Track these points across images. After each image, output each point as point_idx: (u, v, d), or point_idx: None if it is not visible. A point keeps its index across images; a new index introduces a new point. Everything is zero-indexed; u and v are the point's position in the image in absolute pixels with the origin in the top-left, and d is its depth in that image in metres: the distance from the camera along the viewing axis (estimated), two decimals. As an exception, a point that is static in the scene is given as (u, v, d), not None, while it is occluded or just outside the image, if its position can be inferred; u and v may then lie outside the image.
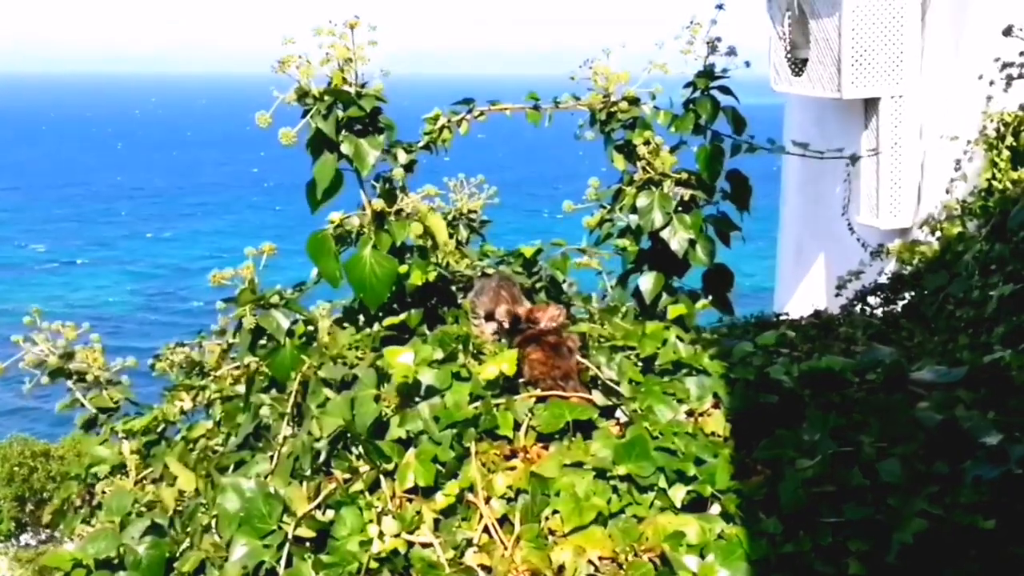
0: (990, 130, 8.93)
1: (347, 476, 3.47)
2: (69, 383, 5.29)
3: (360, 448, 3.48)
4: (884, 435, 3.27)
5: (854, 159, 6.15)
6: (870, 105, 10.23)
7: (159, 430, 4.85)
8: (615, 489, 3.29)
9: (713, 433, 3.51)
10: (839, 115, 10.79)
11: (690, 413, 3.61)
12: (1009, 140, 8.75)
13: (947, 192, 9.28)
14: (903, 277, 7.06)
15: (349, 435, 3.52)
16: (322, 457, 3.57)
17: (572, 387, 3.75)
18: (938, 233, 8.20)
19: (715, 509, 3.25)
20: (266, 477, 3.58)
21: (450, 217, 5.89)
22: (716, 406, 3.65)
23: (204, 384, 5.03)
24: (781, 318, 6.40)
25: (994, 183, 8.65)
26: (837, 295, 7.63)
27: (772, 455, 3.31)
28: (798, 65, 11.17)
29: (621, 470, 3.29)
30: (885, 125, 10.09)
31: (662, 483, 3.29)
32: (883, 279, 7.12)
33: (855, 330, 5.57)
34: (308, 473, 3.52)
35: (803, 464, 3.19)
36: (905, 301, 6.77)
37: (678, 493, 3.28)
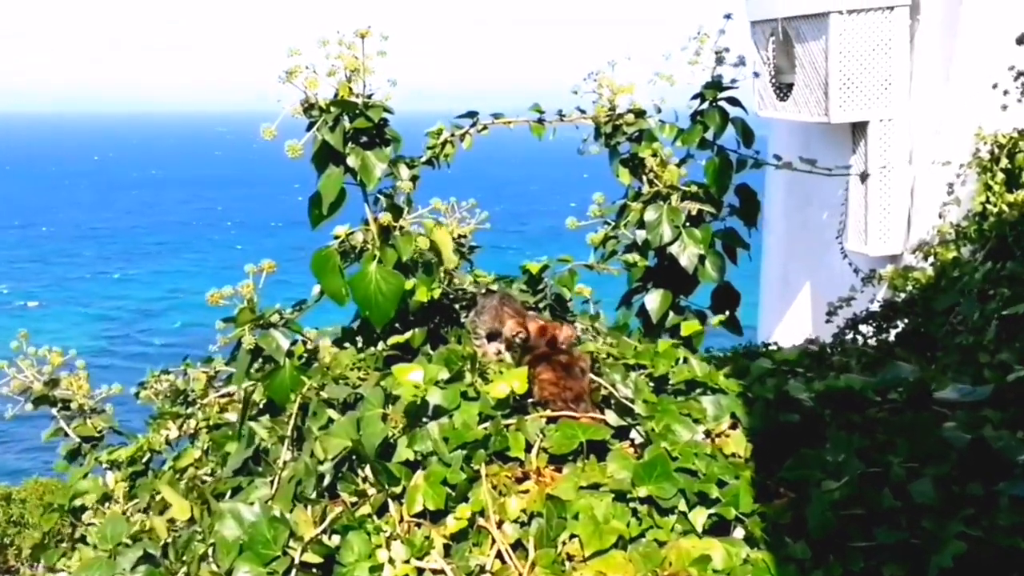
0: (983, 152, 8.65)
1: (354, 499, 3.29)
2: (53, 411, 5.09)
3: (366, 470, 3.31)
4: (913, 455, 3.13)
5: (864, 177, 6.02)
6: (858, 129, 10.04)
7: (144, 460, 4.67)
8: (635, 512, 3.15)
9: (733, 454, 3.38)
10: (826, 140, 10.63)
11: (707, 433, 3.49)
12: (1004, 162, 8.47)
13: (940, 216, 9.02)
14: (896, 304, 6.86)
15: (355, 457, 3.36)
16: (326, 480, 3.40)
17: (584, 408, 3.63)
18: (931, 258, 7.99)
19: (739, 533, 3.11)
20: (267, 502, 3.39)
21: (439, 241, 5.70)
22: (733, 426, 3.52)
23: (190, 412, 4.85)
24: (770, 348, 6.15)
25: (988, 207, 8.32)
26: (828, 322, 7.38)
27: (797, 476, 3.18)
28: (783, 90, 11.01)
29: (641, 492, 3.16)
30: (873, 149, 9.91)
31: (682, 506, 3.15)
32: (874, 306, 6.95)
33: (849, 359, 5.39)
34: (312, 497, 3.34)
35: (830, 486, 3.05)
36: (899, 329, 6.59)
37: (700, 516, 3.14)
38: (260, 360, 4.18)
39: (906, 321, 6.55)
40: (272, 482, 3.58)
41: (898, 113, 9.87)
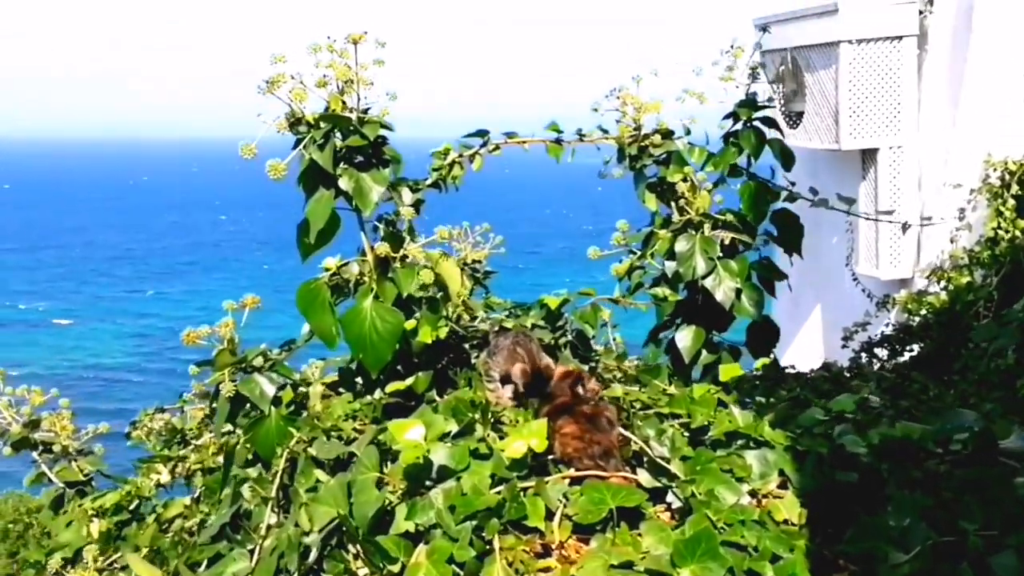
0: (993, 179, 8.53)
1: (342, 580, 2.65)
2: (35, 454, 4.46)
3: (358, 546, 2.64)
4: (989, 520, 2.61)
5: (905, 227, 5.62)
6: (868, 156, 9.92)
7: (132, 507, 4.02)
8: None
9: (786, 520, 2.79)
10: (834, 167, 10.42)
11: (753, 494, 2.90)
12: (1014, 188, 8.38)
13: (951, 242, 8.90)
14: (911, 328, 6.75)
15: (345, 529, 2.68)
16: (312, 555, 2.74)
17: (614, 466, 2.99)
18: (943, 283, 7.92)
19: None
20: (244, 577, 2.76)
21: (453, 268, 5.12)
22: (782, 485, 2.95)
23: (183, 454, 4.22)
24: (787, 371, 5.68)
25: (1000, 232, 8.31)
26: (844, 347, 7.17)
27: (861, 549, 2.61)
28: (793, 118, 10.80)
29: (684, 573, 2.54)
30: (884, 176, 9.70)
31: None
32: (888, 330, 6.83)
33: (867, 383, 4.95)
34: (297, 573, 2.68)
35: (898, 558, 2.52)
36: (913, 352, 6.43)
37: None
38: (247, 406, 3.54)
39: (921, 345, 6.39)
40: (253, 552, 2.93)
41: (907, 140, 9.64)
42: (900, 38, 9.37)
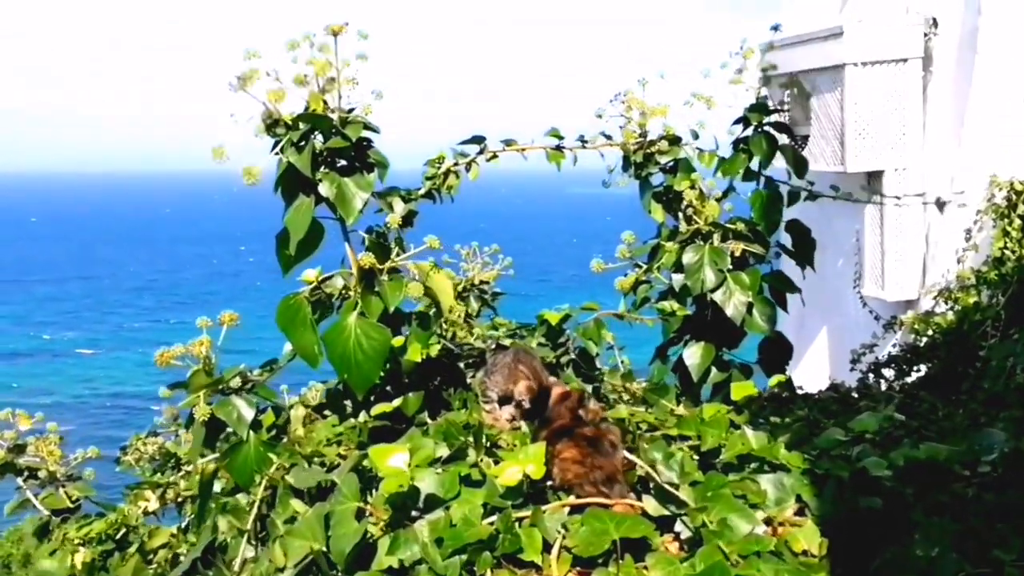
0: (999, 199, 8.46)
1: (318, 623, 2.32)
2: (19, 480, 4.16)
3: (336, 583, 2.33)
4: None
5: (940, 205, 5.58)
6: (873, 178, 9.96)
7: (118, 536, 3.71)
8: None
9: (805, 552, 2.50)
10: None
11: (768, 522, 2.60)
12: (1021, 208, 8.31)
13: (959, 262, 8.80)
14: (918, 348, 6.47)
15: (318, 566, 2.36)
16: (287, 594, 2.42)
17: (618, 492, 2.68)
18: (950, 303, 7.82)
19: None
20: (216, 618, 2.44)
21: (460, 288, 4.92)
22: (800, 512, 2.66)
23: (172, 480, 3.91)
24: (796, 391, 5.48)
25: (1007, 252, 8.33)
26: (852, 369, 6.92)
27: None
28: (798, 142, 10.73)
29: None
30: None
31: None
32: (895, 351, 6.55)
33: (876, 404, 4.77)
34: (267, 618, 2.36)
35: None
36: (920, 373, 6.17)
37: None
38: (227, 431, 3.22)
39: (929, 365, 6.15)
40: (226, 591, 2.61)
41: (912, 162, 9.58)
42: (905, 60, 9.35)
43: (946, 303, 7.84)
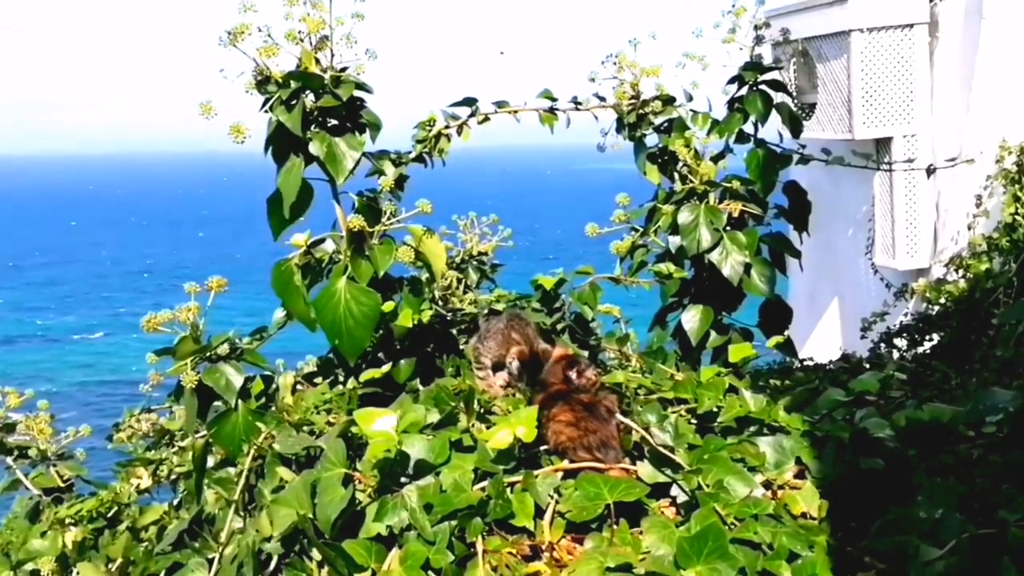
0: (1009, 164, 8.46)
1: (303, 592, 2.29)
2: (9, 460, 4.13)
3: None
4: None
5: (930, 171, 5.55)
6: (882, 145, 9.94)
7: (109, 514, 3.68)
8: None
9: (803, 514, 2.49)
10: (853, 150, 10.37)
11: (767, 485, 2.59)
12: None
13: (969, 228, 8.77)
14: (930, 317, 6.69)
15: (305, 534, 2.33)
16: (273, 563, 2.38)
17: (612, 457, 2.66)
18: (962, 271, 7.81)
19: None
20: (202, 591, 2.40)
21: (459, 259, 4.88)
22: (799, 475, 2.65)
23: (164, 457, 3.88)
24: (804, 363, 5.59)
25: (1018, 218, 8.29)
26: (863, 337, 7.23)
27: (891, 545, 2.30)
28: (805, 110, 10.75)
29: None
30: (898, 165, 9.59)
31: None
32: (907, 320, 6.79)
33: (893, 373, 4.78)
34: (251, 587, 2.33)
35: (930, 554, 2.22)
36: (933, 342, 6.36)
37: None
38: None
39: (941, 334, 6.33)
40: (212, 562, 2.57)
41: (921, 128, 9.59)
42: (911, 26, 9.30)
43: (957, 271, 7.84)
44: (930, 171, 6.28)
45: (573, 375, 2.85)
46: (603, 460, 2.63)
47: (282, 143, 3.32)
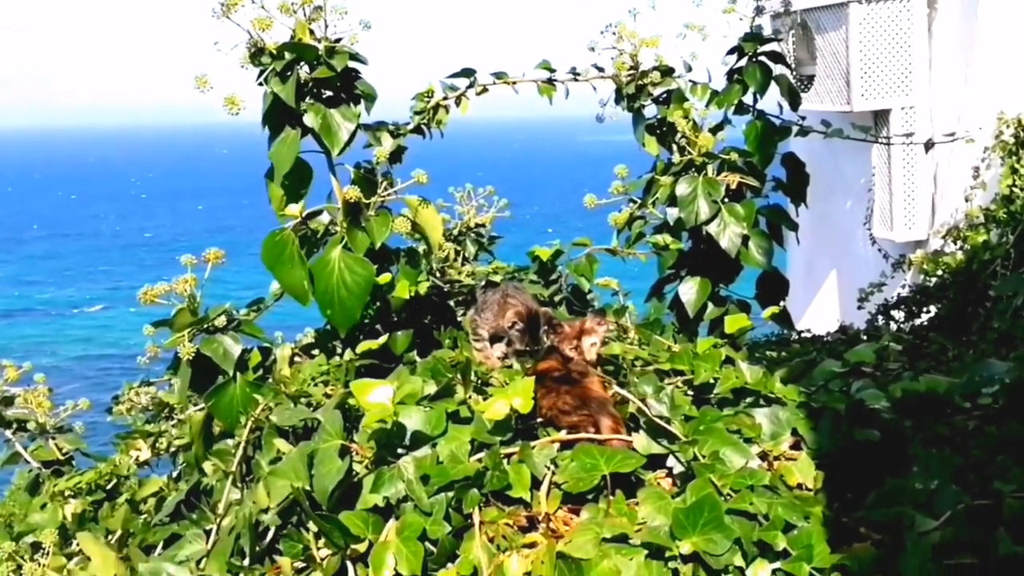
0: (1007, 136, 8.52)
1: (300, 563, 2.28)
2: (8, 433, 4.14)
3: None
4: None
5: (928, 146, 5.52)
6: (880, 117, 10.10)
7: (109, 487, 3.69)
8: (676, 574, 2.22)
9: (799, 485, 2.48)
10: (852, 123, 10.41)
11: (763, 456, 2.58)
12: None
13: (967, 200, 8.84)
14: (928, 288, 6.71)
15: (301, 505, 2.33)
16: (270, 534, 2.39)
17: (609, 427, 2.60)
18: (959, 243, 7.89)
19: None
20: (199, 562, 2.40)
21: (456, 231, 4.82)
22: (795, 446, 2.64)
23: (163, 429, 3.88)
24: (802, 335, 5.73)
25: (1015, 189, 8.38)
26: (860, 308, 7.30)
27: (886, 516, 2.29)
28: (804, 82, 10.85)
29: (684, 547, 2.21)
30: (896, 137, 9.60)
31: (738, 559, 2.23)
32: (904, 292, 6.81)
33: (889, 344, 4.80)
34: (248, 558, 2.33)
35: (925, 524, 2.21)
36: (930, 314, 6.40)
37: (762, 574, 2.23)
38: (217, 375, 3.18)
39: (939, 306, 6.34)
40: (210, 533, 2.58)
41: (919, 100, 9.75)
42: None
43: (955, 242, 7.88)
44: (928, 146, 6.23)
45: (554, 338, 2.86)
46: (595, 418, 2.64)
47: (278, 115, 3.32)
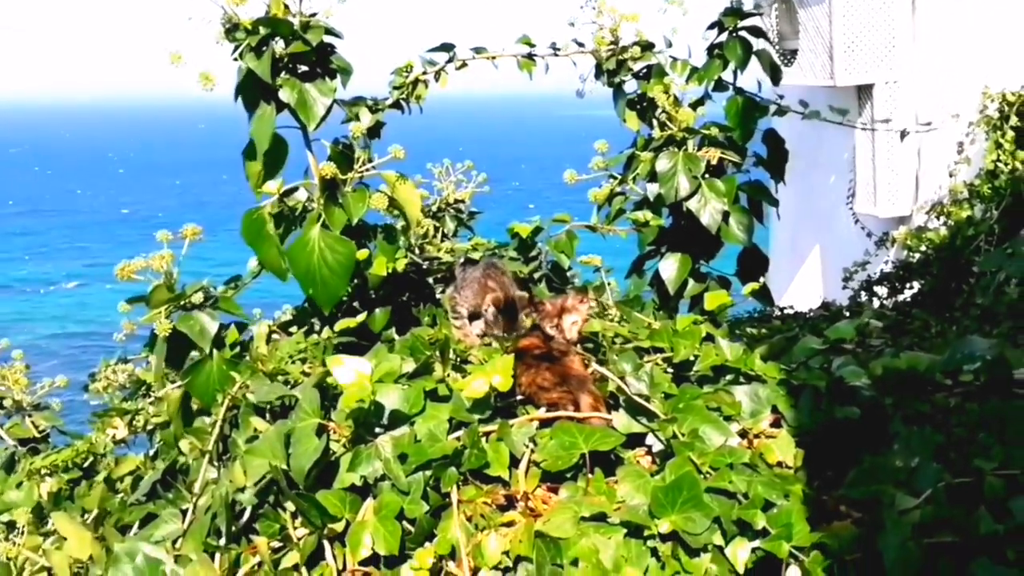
0: (991, 110, 8.67)
1: (277, 543, 2.28)
2: (-16, 411, 4.14)
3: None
4: (1008, 459, 2.31)
5: (903, 134, 5.53)
6: (863, 92, 10.06)
7: (85, 465, 3.67)
8: (655, 552, 2.22)
9: (780, 463, 2.48)
10: (831, 104, 10.42)
11: (743, 434, 2.57)
12: (1013, 120, 8.53)
13: (951, 175, 8.82)
14: (911, 265, 6.68)
15: (278, 484, 2.32)
16: (247, 514, 2.38)
17: (589, 404, 2.60)
18: (943, 218, 8.01)
19: (794, 573, 2.22)
20: (175, 541, 2.39)
21: (435, 208, 4.81)
22: (775, 424, 2.63)
23: (140, 407, 3.86)
24: (784, 312, 5.72)
25: (1000, 165, 8.21)
26: (844, 287, 7.25)
27: (866, 494, 2.29)
28: (787, 56, 10.85)
29: (663, 525, 2.21)
30: (880, 112, 9.64)
31: (718, 538, 2.23)
32: (888, 268, 6.80)
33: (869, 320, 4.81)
34: (225, 538, 2.32)
35: (906, 503, 2.21)
36: (914, 290, 6.40)
37: (741, 552, 2.23)
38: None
39: (922, 282, 6.34)
40: (187, 512, 2.57)
41: (903, 75, 9.75)
42: None
43: (939, 218, 7.99)
44: (904, 135, 6.26)
45: (538, 318, 2.86)
46: (578, 407, 2.63)
47: (252, 91, 3.31)
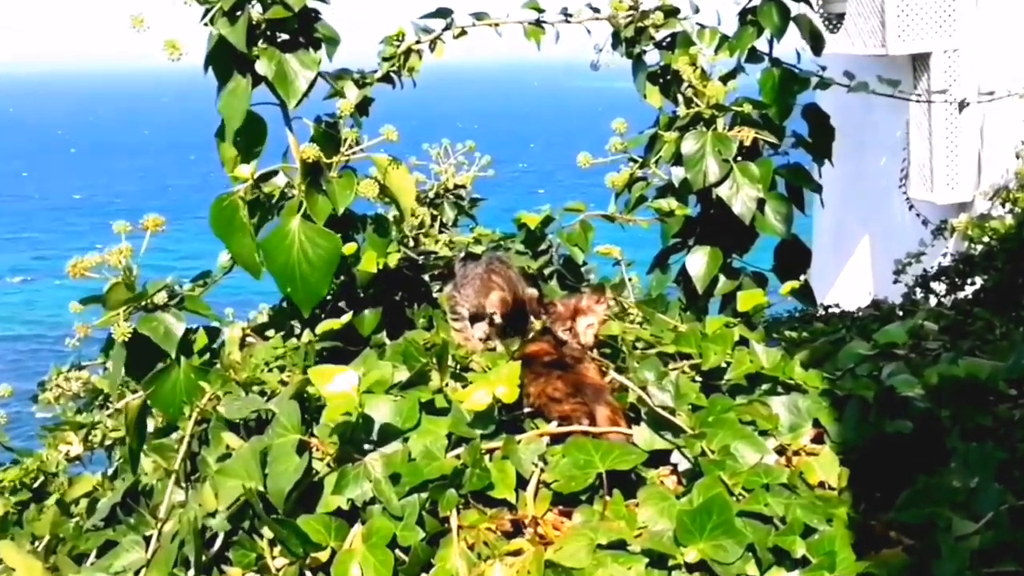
0: None
1: (253, 574, 2.31)
2: (-84, 425, 4.16)
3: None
4: None
5: (963, 105, 5.53)
6: (919, 62, 9.96)
7: (35, 486, 3.70)
8: None
9: (821, 483, 2.51)
10: (883, 75, 10.44)
11: (781, 451, 2.62)
12: None
13: (1017, 157, 8.80)
14: (972, 258, 6.76)
15: (253, 508, 2.36)
16: (219, 541, 2.41)
17: (606, 417, 2.64)
18: (1008, 205, 7.94)
19: None
20: (138, 572, 2.42)
21: (432, 194, 4.85)
22: (817, 439, 2.67)
23: (97, 420, 3.90)
24: (828, 311, 5.76)
25: None
26: (895, 282, 7.25)
27: (919, 518, 2.31)
28: (833, 21, 10.79)
29: (690, 554, 2.24)
30: (937, 85, 9.61)
31: (751, 568, 2.25)
32: (945, 261, 6.86)
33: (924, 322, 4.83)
34: (193, 569, 2.35)
35: (964, 528, 2.23)
36: (975, 286, 6.45)
37: None
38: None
39: (985, 277, 6.39)
40: (150, 539, 2.60)
41: (964, 43, 9.79)
42: None
43: (1004, 205, 7.88)
44: (963, 105, 6.28)
45: (546, 318, 2.89)
46: (589, 405, 2.66)
47: (225, 62, 3.32)
